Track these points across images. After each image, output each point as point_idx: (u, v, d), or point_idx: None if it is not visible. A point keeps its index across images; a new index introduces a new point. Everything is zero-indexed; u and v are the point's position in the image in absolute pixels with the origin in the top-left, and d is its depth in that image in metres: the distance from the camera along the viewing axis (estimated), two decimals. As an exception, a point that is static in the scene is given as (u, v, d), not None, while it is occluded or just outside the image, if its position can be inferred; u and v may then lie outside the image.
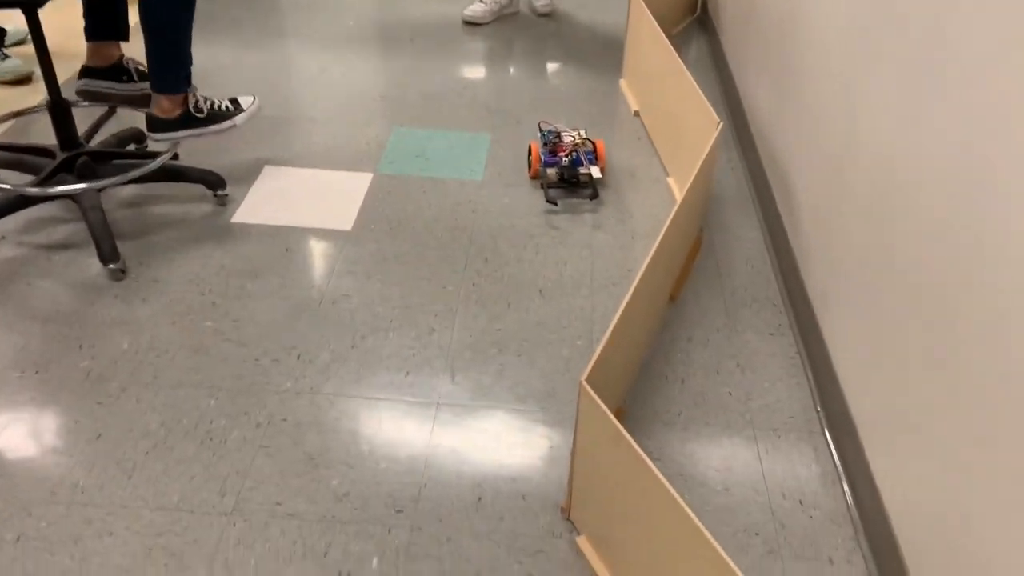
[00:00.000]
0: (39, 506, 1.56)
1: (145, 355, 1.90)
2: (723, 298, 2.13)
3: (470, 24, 3.73)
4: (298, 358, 1.90)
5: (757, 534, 1.55)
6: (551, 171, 2.50)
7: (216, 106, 2.41)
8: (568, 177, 2.50)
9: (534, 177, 2.57)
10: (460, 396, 1.82)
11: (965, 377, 1.24)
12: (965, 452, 1.23)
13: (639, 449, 1.27)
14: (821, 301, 1.91)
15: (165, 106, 2.31)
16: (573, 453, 1.50)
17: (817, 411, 1.81)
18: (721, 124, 2.16)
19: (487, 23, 3.76)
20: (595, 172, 2.48)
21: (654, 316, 1.98)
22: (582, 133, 2.60)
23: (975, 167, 1.25)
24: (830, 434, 1.75)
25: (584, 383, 1.38)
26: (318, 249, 2.25)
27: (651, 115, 2.87)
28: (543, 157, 2.53)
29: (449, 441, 1.72)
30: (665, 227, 1.77)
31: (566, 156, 2.52)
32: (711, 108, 2.23)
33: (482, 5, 3.74)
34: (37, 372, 1.84)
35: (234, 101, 2.46)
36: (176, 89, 2.30)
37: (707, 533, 1.14)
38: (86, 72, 2.47)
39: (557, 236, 2.33)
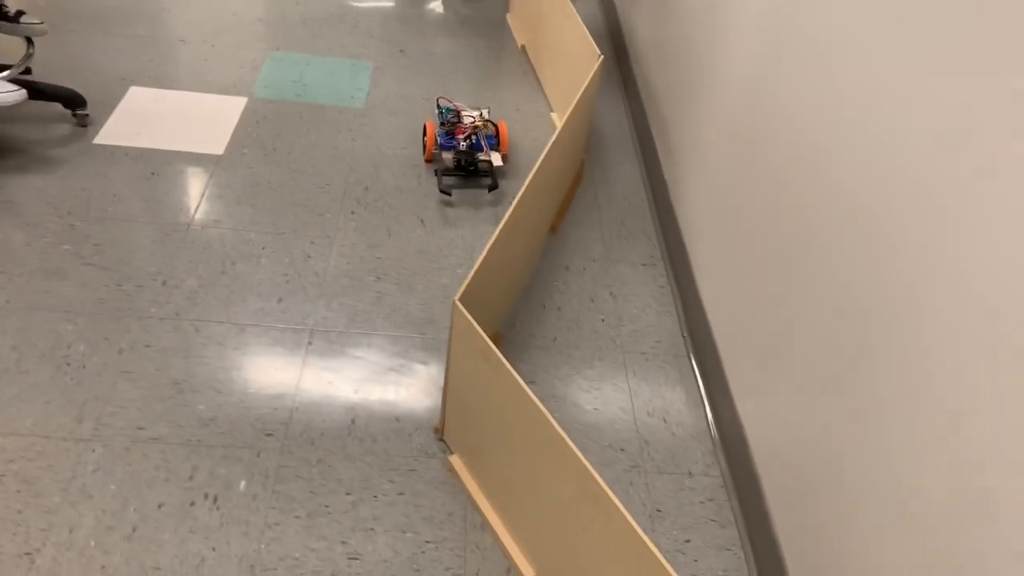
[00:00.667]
0: None
1: (-5, 278, 1.78)
2: (601, 230, 2.17)
3: None
4: (163, 284, 1.83)
5: (622, 450, 1.61)
6: (447, 155, 2.25)
7: None
8: (465, 164, 2.25)
9: (428, 161, 2.31)
10: (335, 322, 1.80)
11: (814, 306, 1.31)
12: (814, 375, 1.31)
13: (508, 365, 1.29)
14: (691, 234, 1.97)
15: None
16: (447, 373, 1.51)
17: (683, 336, 1.88)
18: (602, 57, 2.17)
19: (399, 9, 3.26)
20: (496, 159, 2.26)
21: (533, 245, 2.00)
22: (484, 114, 2.35)
23: (832, 102, 1.30)
24: (695, 358, 1.82)
25: (457, 302, 1.38)
26: (187, 173, 2.15)
27: (536, 50, 2.86)
28: (439, 139, 2.28)
29: (322, 366, 1.70)
30: (542, 156, 1.78)
31: (464, 140, 2.26)
32: (593, 42, 2.24)
33: None
34: None
35: None
36: None
37: (571, 444, 1.17)
38: None
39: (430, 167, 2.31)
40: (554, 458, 1.23)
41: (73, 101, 2.23)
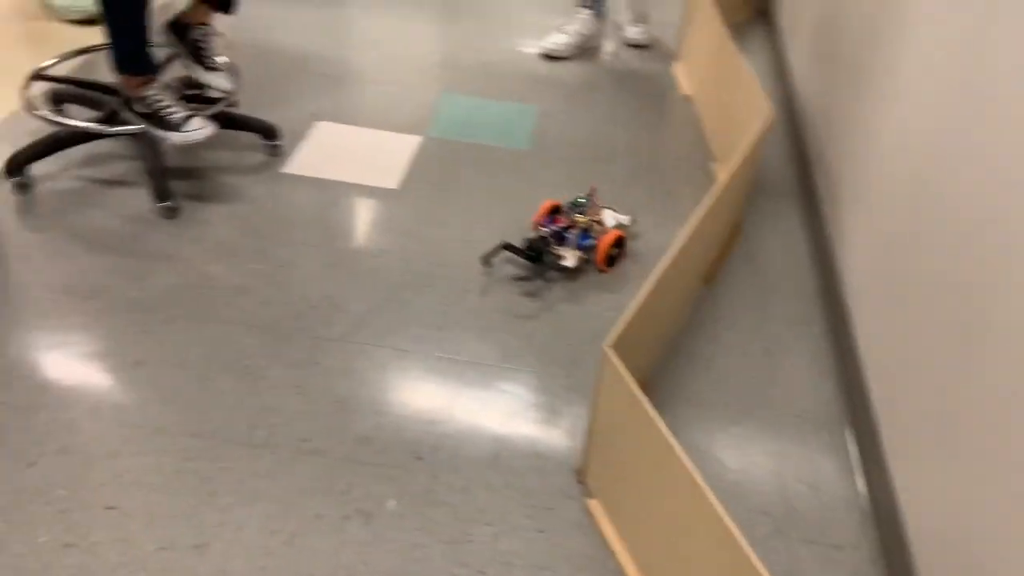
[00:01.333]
0: (82, 421, 1.64)
1: (191, 291, 1.97)
2: (758, 285, 2.14)
3: (549, 59, 3.21)
4: (335, 306, 1.96)
5: (767, 514, 1.58)
6: (532, 234, 2.15)
7: (165, 109, 2.16)
8: (532, 248, 2.07)
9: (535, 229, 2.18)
10: (488, 356, 1.87)
11: (991, 388, 1.25)
12: (982, 461, 1.25)
13: (656, 416, 1.30)
14: (854, 295, 1.91)
15: (124, 82, 2.18)
16: (591, 418, 1.53)
17: (839, 401, 1.82)
18: (772, 112, 2.16)
19: (567, 58, 3.23)
20: (568, 260, 2.07)
21: (686, 295, 2.00)
22: (618, 218, 2.21)
23: (1013, 174, 1.25)
24: (850, 424, 1.76)
25: (607, 349, 1.41)
26: (363, 205, 2.31)
27: (703, 100, 2.87)
28: (546, 220, 2.16)
29: (473, 397, 1.77)
30: (703, 208, 1.79)
31: (560, 229, 2.12)
32: (763, 95, 2.23)
33: (564, 37, 3.21)
34: (87, 298, 1.93)
35: (188, 117, 2.17)
36: (117, 67, 2.15)
37: (716, 504, 1.17)
38: (175, 21, 2.35)
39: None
40: (697, 516, 1.23)
41: (268, 133, 2.45)
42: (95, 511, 1.49)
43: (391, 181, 2.40)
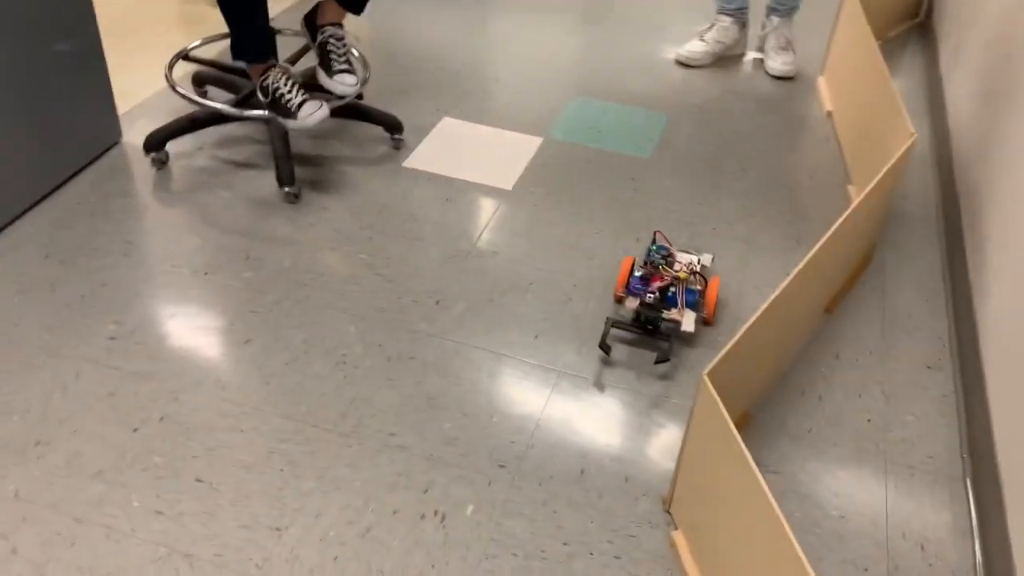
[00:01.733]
0: (185, 393, 1.71)
1: (302, 275, 2.02)
2: (883, 320, 1.99)
3: (685, 66, 3.12)
4: (437, 303, 1.96)
5: (866, 569, 1.46)
6: (631, 303, 1.89)
7: (283, 96, 2.20)
8: (645, 320, 1.88)
9: (617, 301, 1.99)
10: (583, 368, 1.82)
11: None
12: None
13: (747, 453, 1.22)
14: (990, 344, 1.74)
15: (248, 68, 2.26)
16: (683, 445, 1.46)
17: (962, 457, 1.67)
18: (915, 136, 2.00)
19: (704, 66, 3.13)
20: (688, 322, 1.86)
21: (803, 324, 1.88)
22: (700, 261, 2.03)
23: None
24: (971, 484, 1.60)
25: (705, 377, 1.33)
26: (476, 203, 2.30)
27: (843, 118, 2.70)
28: (631, 282, 1.94)
29: (564, 409, 1.72)
30: (828, 233, 1.68)
31: (657, 290, 1.90)
32: (908, 118, 2.07)
33: (701, 44, 3.11)
34: (206, 274, 2.01)
35: (302, 103, 2.19)
36: (232, 53, 2.22)
37: (802, 555, 1.08)
38: (310, 16, 2.37)
39: (720, 229, 2.26)
40: (779, 562, 1.14)
41: (392, 126, 2.48)
42: (186, 482, 1.54)
43: (506, 182, 2.39)
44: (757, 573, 1.23)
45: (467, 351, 1.84)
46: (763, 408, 1.75)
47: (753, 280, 2.09)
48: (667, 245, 2.02)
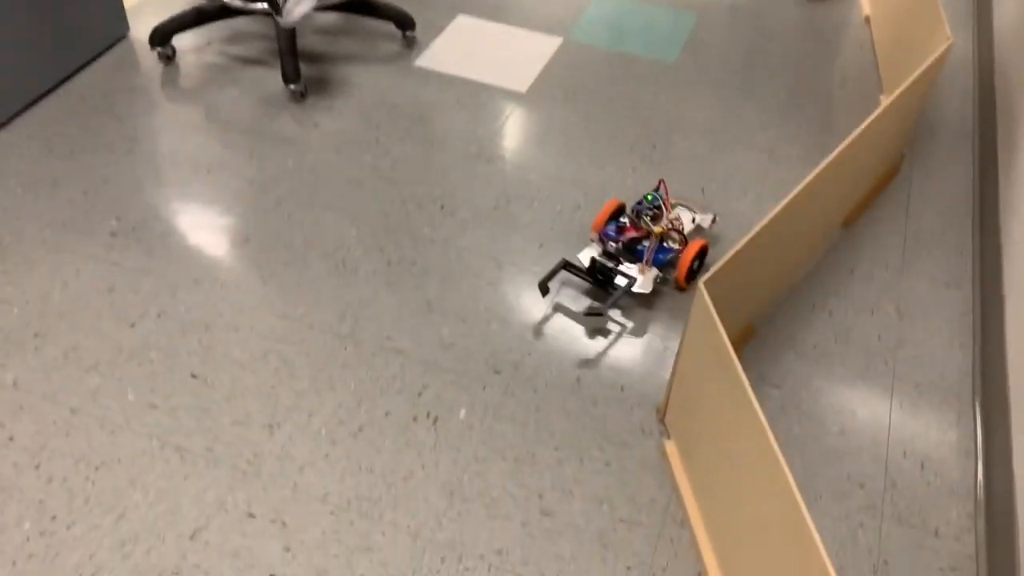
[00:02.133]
0: (183, 290, 1.70)
1: (305, 176, 1.98)
2: (904, 236, 1.91)
3: None
4: (441, 208, 1.92)
5: (862, 485, 1.43)
6: (595, 248, 1.78)
7: None
8: (599, 268, 1.72)
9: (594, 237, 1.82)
10: (586, 281, 1.78)
11: None
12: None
13: (738, 365, 1.18)
14: (1014, 264, 1.66)
15: None
16: (678, 356, 1.43)
17: (973, 377, 1.61)
18: (951, 41, 1.88)
19: None
20: (643, 283, 1.69)
21: (816, 238, 1.81)
22: (696, 220, 1.85)
23: None
24: (979, 405, 1.56)
25: (702, 285, 1.29)
26: (488, 106, 2.23)
27: (879, 23, 2.55)
28: (608, 225, 1.79)
29: (564, 320, 1.69)
30: (848, 140, 1.59)
31: (629, 240, 1.75)
32: (946, 24, 1.94)
33: None
34: (209, 171, 1.98)
35: None
36: None
37: (784, 466, 1.05)
38: None
39: (742, 137, 2.17)
40: (765, 475, 1.11)
41: (403, 22, 2.39)
42: (181, 377, 1.54)
43: (521, 84, 2.30)
44: (744, 485, 1.21)
45: (469, 258, 1.81)
46: (769, 322, 1.71)
47: (773, 192, 2.01)
48: (664, 197, 1.80)
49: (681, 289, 1.76)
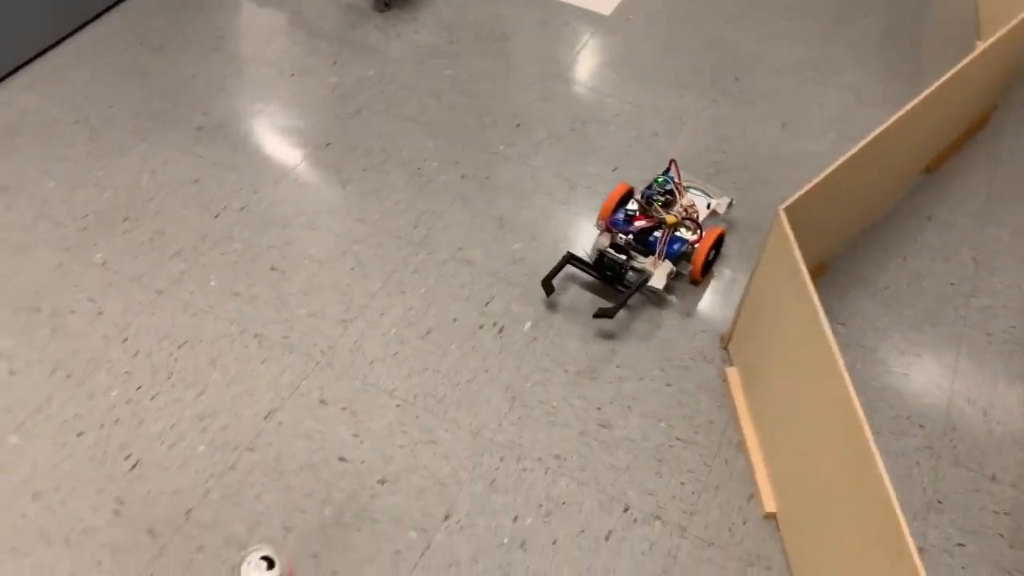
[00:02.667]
0: (265, 188, 1.75)
1: (386, 85, 2.00)
2: (990, 185, 1.86)
3: None
4: (517, 126, 1.93)
5: (922, 426, 1.44)
6: (603, 239, 1.60)
7: None
8: (608, 263, 1.57)
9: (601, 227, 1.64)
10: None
11: None
12: None
13: (813, 293, 1.18)
14: (1105, 215, 1.61)
15: None
16: (749, 283, 1.43)
17: (1048, 331, 1.59)
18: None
19: None
20: (659, 277, 1.55)
21: (896, 180, 1.78)
22: (712, 205, 1.67)
23: None
24: (1052, 358, 1.53)
25: (781, 212, 1.28)
26: (571, 27, 2.20)
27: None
28: (616, 214, 1.64)
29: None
30: (934, 86, 1.55)
31: (640, 231, 1.59)
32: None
33: None
34: (292, 75, 2.01)
35: None
36: None
37: (854, 397, 1.06)
38: None
39: (828, 77, 2.11)
40: (831, 405, 1.13)
41: (491, -61, 2.35)
42: (261, 269, 1.60)
43: (604, 7, 2.27)
44: (808, 413, 1.22)
45: (543, 177, 1.82)
46: (841, 261, 1.69)
47: (855, 134, 1.96)
48: (675, 179, 1.65)
49: (695, 282, 1.62)
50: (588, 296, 1.60)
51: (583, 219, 1.74)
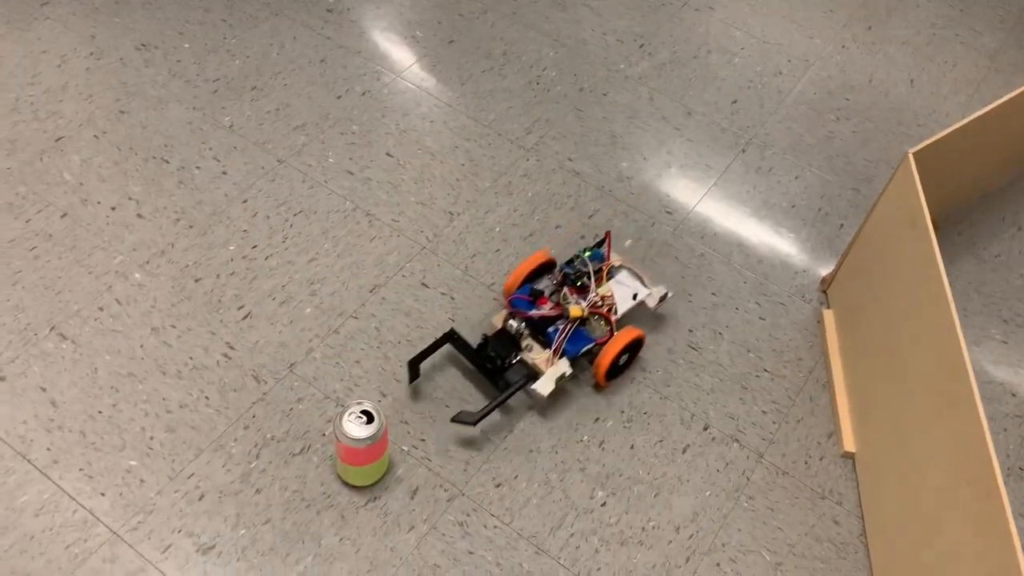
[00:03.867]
0: (387, 75, 1.78)
1: (512, -9, 2.00)
2: (1121, 169, 1.79)
3: None
4: (641, 47, 1.91)
5: (1014, 395, 1.42)
6: (496, 319, 1.36)
7: None
8: (491, 350, 1.31)
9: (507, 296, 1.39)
10: (775, 142, 1.76)
11: None
12: None
13: (933, 236, 1.17)
14: None
15: None
16: (861, 226, 1.42)
17: None
18: None
19: None
20: (543, 383, 1.28)
21: (1020, 151, 1.72)
22: (638, 296, 1.39)
23: None
24: None
25: (910, 154, 1.26)
26: (705, -45, 2.16)
27: None
28: (519, 296, 1.35)
29: (744, 177, 1.69)
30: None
31: (539, 318, 1.33)
32: None
33: None
34: (423, -30, 2.02)
35: None
36: None
37: (966, 354, 1.06)
38: None
39: (964, 36, 2.03)
40: (934, 351, 1.12)
41: None
42: (377, 153, 1.64)
43: (743, -62, 2.21)
44: (901, 361, 1.22)
45: (660, 100, 1.81)
46: (954, 220, 1.66)
47: (985, 99, 1.90)
48: (604, 255, 1.42)
49: (598, 388, 1.37)
50: (698, 217, 1.60)
51: (695, 145, 1.73)
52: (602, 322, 1.35)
